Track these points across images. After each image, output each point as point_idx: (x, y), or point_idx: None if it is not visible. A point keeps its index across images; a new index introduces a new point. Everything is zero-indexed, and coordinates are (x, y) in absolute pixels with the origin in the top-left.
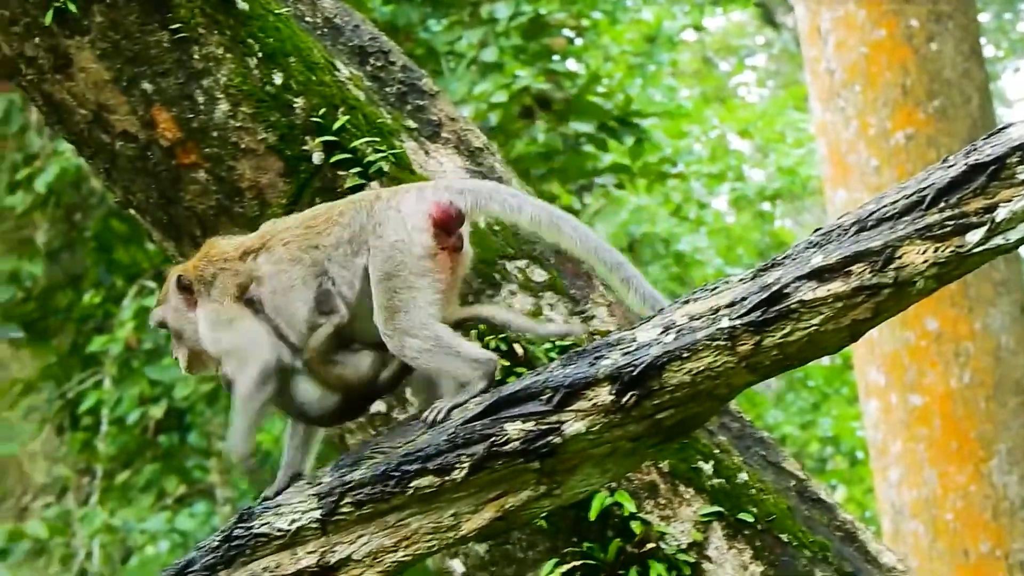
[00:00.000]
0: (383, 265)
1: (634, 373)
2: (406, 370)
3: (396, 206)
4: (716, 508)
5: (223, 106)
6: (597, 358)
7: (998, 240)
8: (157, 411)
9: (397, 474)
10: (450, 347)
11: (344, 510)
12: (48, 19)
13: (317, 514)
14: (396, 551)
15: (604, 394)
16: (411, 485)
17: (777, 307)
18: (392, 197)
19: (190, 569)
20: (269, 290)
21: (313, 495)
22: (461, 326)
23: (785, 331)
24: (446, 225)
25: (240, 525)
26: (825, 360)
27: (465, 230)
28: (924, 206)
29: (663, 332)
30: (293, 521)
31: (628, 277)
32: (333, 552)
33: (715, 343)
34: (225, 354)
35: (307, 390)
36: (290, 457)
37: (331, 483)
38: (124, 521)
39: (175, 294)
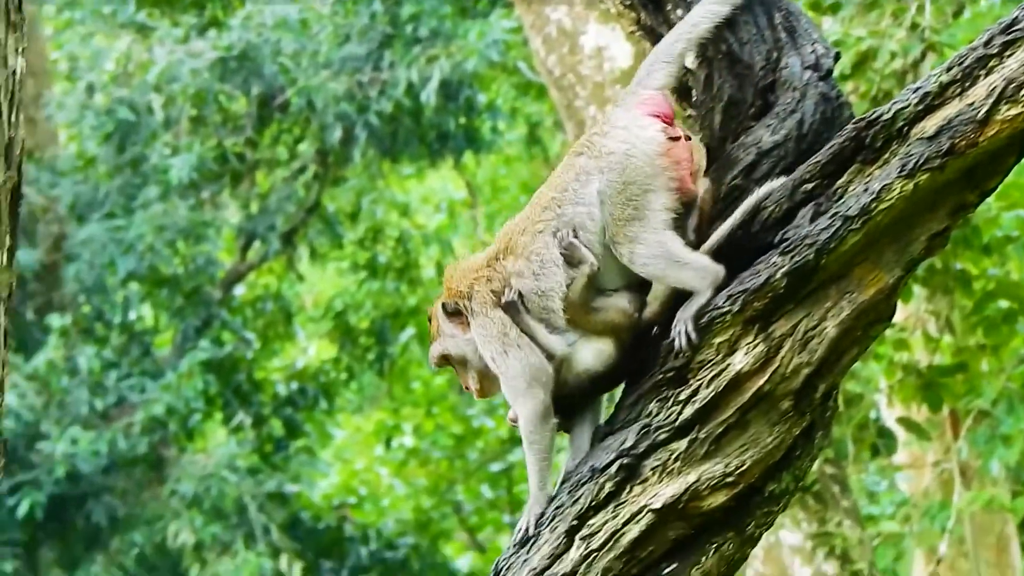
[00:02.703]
0: (619, 176)
1: None
2: (673, 303)
3: (611, 124)
4: None
5: None
6: None
7: None
8: None
9: None
10: (679, 257)
11: None
12: None
13: None
14: None
15: None
16: None
17: None
18: (602, 124)
19: (1015, 27)
20: (530, 276)
21: None
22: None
23: None
24: (663, 116)
25: None
26: None
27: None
28: None
29: None
30: None
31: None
32: None
33: None
34: (501, 380)
35: (584, 356)
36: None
37: None
38: None
39: (445, 323)
